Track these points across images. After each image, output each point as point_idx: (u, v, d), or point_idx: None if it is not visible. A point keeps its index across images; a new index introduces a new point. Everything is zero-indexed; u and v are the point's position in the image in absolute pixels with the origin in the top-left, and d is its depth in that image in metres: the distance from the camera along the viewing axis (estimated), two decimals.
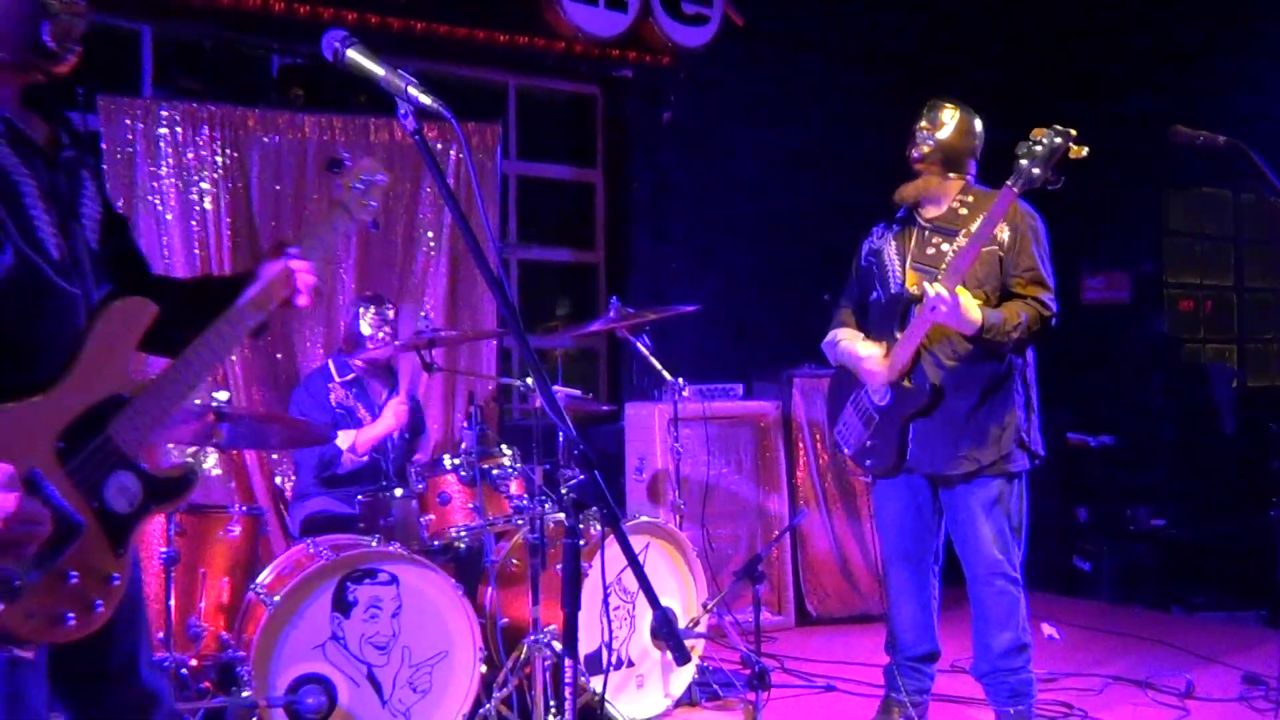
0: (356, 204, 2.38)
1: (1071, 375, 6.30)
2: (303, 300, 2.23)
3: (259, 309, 2.17)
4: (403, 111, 1.97)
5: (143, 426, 2.01)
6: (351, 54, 2.01)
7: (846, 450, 3.89)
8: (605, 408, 5.40)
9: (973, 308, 3.40)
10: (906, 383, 3.60)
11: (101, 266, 2.10)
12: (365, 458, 4.47)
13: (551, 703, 3.62)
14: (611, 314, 4.49)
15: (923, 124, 3.71)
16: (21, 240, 1.91)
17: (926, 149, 3.68)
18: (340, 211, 2.36)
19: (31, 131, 2.01)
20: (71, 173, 2.09)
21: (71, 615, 1.89)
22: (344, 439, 4.43)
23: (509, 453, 4.20)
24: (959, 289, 3.39)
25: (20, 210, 1.92)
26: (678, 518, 4.87)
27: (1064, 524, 6.62)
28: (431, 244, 5.65)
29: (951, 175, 3.69)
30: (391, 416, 4.49)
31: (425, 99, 1.94)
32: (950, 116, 3.70)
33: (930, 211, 3.72)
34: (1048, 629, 5.23)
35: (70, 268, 1.99)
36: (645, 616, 4.11)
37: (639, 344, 4.67)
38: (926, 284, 3.45)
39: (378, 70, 1.99)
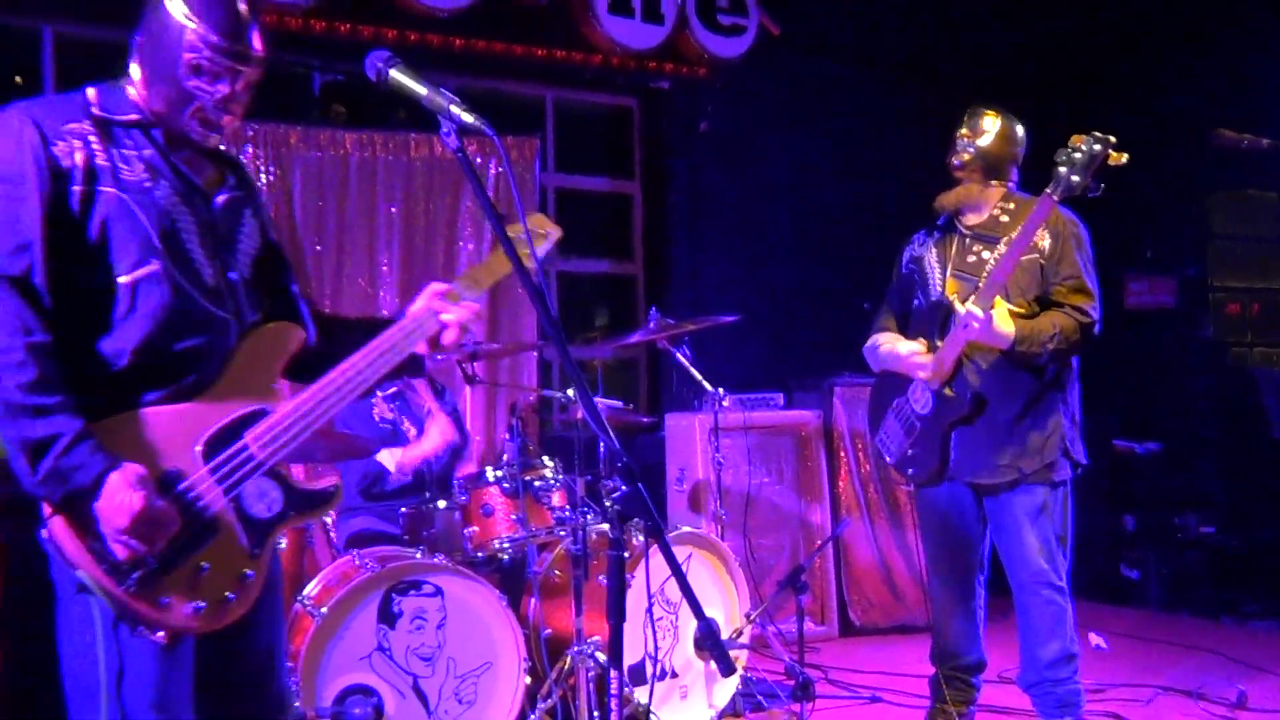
0: (522, 255, 2.45)
1: (1117, 381, 6.24)
2: (448, 337, 2.32)
3: (404, 343, 2.28)
4: (445, 130, 2.01)
5: (280, 440, 2.14)
6: (394, 74, 2.05)
7: (889, 459, 3.88)
8: (646, 418, 5.41)
9: (1006, 322, 3.38)
10: (948, 391, 3.58)
11: (254, 295, 2.27)
12: (409, 476, 4.49)
13: (595, 714, 3.62)
14: (651, 325, 4.50)
15: (963, 131, 3.70)
16: (177, 271, 2.10)
17: (967, 156, 3.66)
18: (502, 259, 2.44)
19: (195, 173, 2.19)
20: (232, 210, 2.27)
21: (202, 604, 2.02)
22: (389, 459, 4.44)
23: (551, 464, 4.21)
24: (996, 302, 3.37)
25: (178, 244, 2.11)
26: (719, 528, 4.87)
27: (1111, 532, 6.54)
28: (471, 256, 5.69)
29: (993, 183, 3.67)
30: (438, 435, 4.50)
31: (467, 117, 1.98)
32: (991, 123, 3.68)
33: (971, 219, 3.70)
34: (1095, 638, 5.17)
35: (223, 294, 2.17)
36: (689, 627, 4.11)
37: (679, 354, 4.68)
38: (958, 303, 3.43)
39: (420, 89, 2.03)
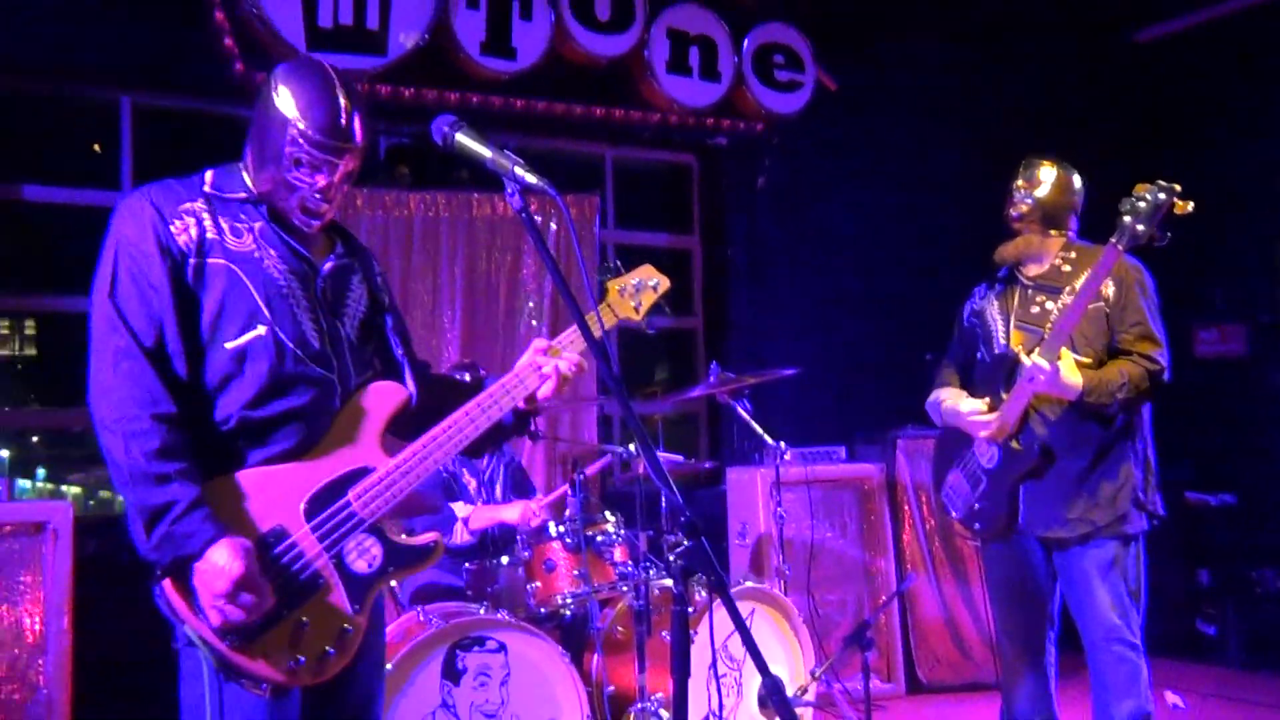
0: (624, 305, 2.58)
1: (1187, 432, 6.11)
2: (545, 390, 2.42)
3: (504, 399, 2.37)
4: (509, 190, 2.07)
5: (384, 497, 2.22)
6: (460, 137, 2.13)
7: (954, 513, 3.82)
8: (707, 471, 5.39)
9: (1073, 373, 3.34)
10: (1015, 444, 3.53)
11: (361, 356, 2.37)
12: (473, 538, 4.49)
13: None
14: (711, 379, 4.52)
15: (1020, 183, 3.69)
16: (285, 337, 2.20)
17: (1025, 208, 3.65)
18: (608, 313, 2.56)
19: (303, 244, 2.31)
20: (339, 277, 2.38)
21: (303, 659, 2.09)
22: (461, 509, 4.48)
23: (613, 519, 4.22)
24: (1062, 352, 3.34)
25: (284, 310, 2.22)
26: (782, 583, 4.83)
27: (1186, 587, 6.38)
28: (533, 313, 5.76)
29: (1052, 233, 3.65)
30: (518, 513, 4.48)
31: (530, 178, 2.05)
32: (1048, 174, 3.66)
33: (1032, 270, 3.68)
34: (1172, 697, 5.03)
35: (328, 357, 2.26)
36: (753, 684, 4.07)
37: (739, 408, 4.68)
38: (1023, 355, 3.40)
39: (485, 152, 2.10)
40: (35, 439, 5.65)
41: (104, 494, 5.80)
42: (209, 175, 2.31)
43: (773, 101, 6.15)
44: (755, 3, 6.15)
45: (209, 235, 2.20)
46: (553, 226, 5.83)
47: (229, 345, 2.16)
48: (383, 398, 2.31)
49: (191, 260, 2.17)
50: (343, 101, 2.21)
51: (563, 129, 6.07)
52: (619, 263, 2.64)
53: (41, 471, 5.67)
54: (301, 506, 2.15)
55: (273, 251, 2.25)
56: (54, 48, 4.87)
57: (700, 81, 5.95)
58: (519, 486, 4.83)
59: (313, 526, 2.14)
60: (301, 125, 2.19)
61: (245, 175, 2.30)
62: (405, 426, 2.36)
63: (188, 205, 2.21)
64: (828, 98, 6.40)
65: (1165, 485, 3.63)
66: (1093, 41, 7.11)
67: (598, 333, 2.49)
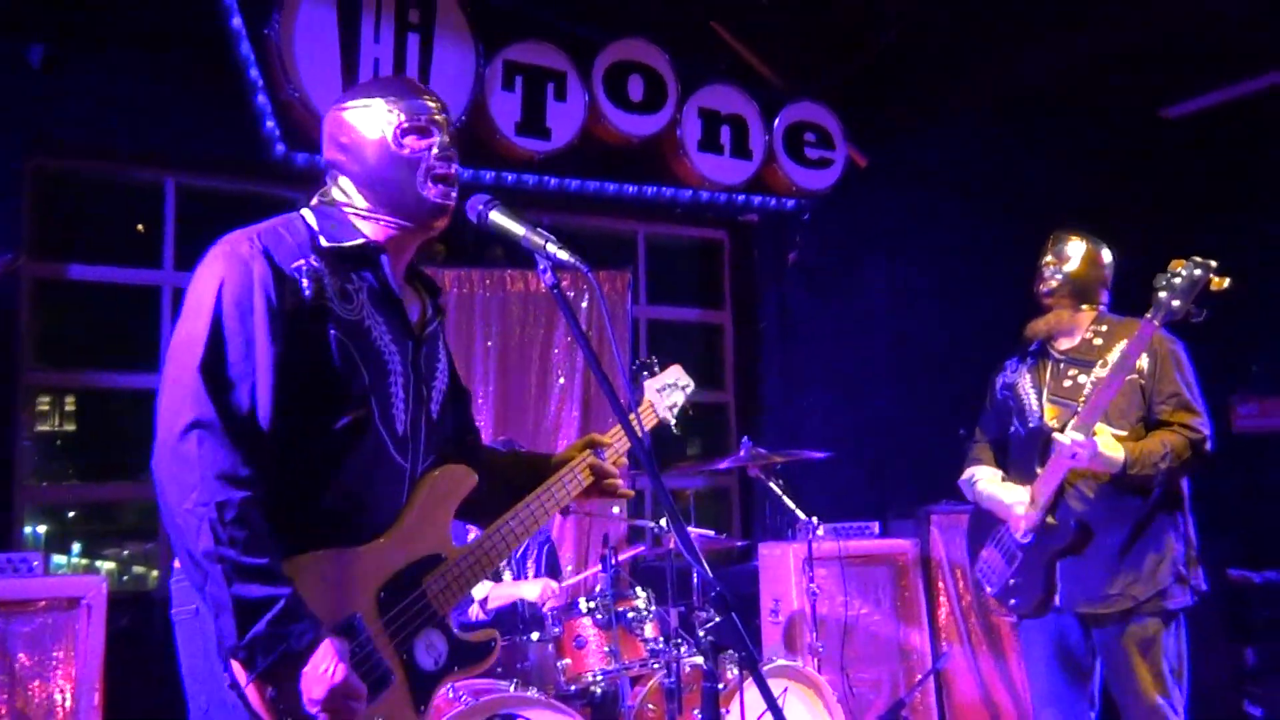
0: (661, 405, 2.65)
1: (1229, 508, 6.01)
2: (605, 491, 2.43)
3: (567, 497, 2.36)
4: (542, 267, 2.08)
5: (455, 587, 2.14)
6: (494, 216, 2.14)
7: (990, 589, 3.78)
8: (739, 544, 5.36)
9: (1113, 447, 3.31)
10: (1050, 519, 3.50)
11: (435, 438, 2.25)
12: (489, 615, 4.46)
13: None
14: (743, 454, 4.51)
15: (1048, 258, 3.70)
16: (380, 418, 2.07)
17: (1055, 283, 3.65)
18: (648, 412, 2.62)
19: (409, 308, 2.21)
20: (432, 347, 2.28)
21: None
22: (479, 589, 4.46)
23: (643, 595, 4.20)
24: (1099, 427, 3.32)
25: (385, 389, 2.09)
26: (816, 660, 4.77)
27: (1231, 666, 6.23)
28: (564, 388, 5.79)
29: (1084, 307, 3.65)
30: (537, 590, 4.46)
31: (563, 254, 2.05)
32: (1076, 249, 3.68)
33: (1064, 343, 3.67)
34: None
35: (408, 443, 2.14)
36: None
37: (772, 483, 4.66)
38: (1058, 435, 3.38)
39: (518, 230, 2.11)
40: (71, 514, 5.70)
41: (138, 569, 5.82)
42: (313, 220, 2.14)
43: (804, 178, 6.21)
44: (786, 82, 6.24)
45: (321, 300, 2.01)
46: (584, 304, 5.88)
47: (328, 426, 2.01)
48: (455, 483, 2.22)
49: (303, 326, 1.99)
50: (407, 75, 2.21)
51: (595, 206, 6.15)
52: (655, 359, 2.70)
53: (77, 547, 5.71)
54: (377, 595, 2.02)
55: (380, 319, 2.11)
56: (99, 129, 5.02)
57: (732, 159, 6.02)
58: (551, 566, 4.82)
59: (387, 620, 2.01)
60: (387, 103, 2.13)
61: (354, 219, 2.16)
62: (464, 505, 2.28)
63: (300, 262, 2.03)
64: (858, 174, 6.46)
65: (1207, 562, 3.58)
66: (1122, 117, 7.15)
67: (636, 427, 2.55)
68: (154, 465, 1.90)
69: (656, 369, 2.70)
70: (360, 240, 2.13)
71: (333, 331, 2.01)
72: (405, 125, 2.13)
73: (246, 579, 1.82)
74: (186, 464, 1.85)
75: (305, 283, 2.01)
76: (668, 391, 2.66)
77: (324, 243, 2.09)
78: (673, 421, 2.67)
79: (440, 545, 2.15)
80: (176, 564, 2.01)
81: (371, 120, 2.14)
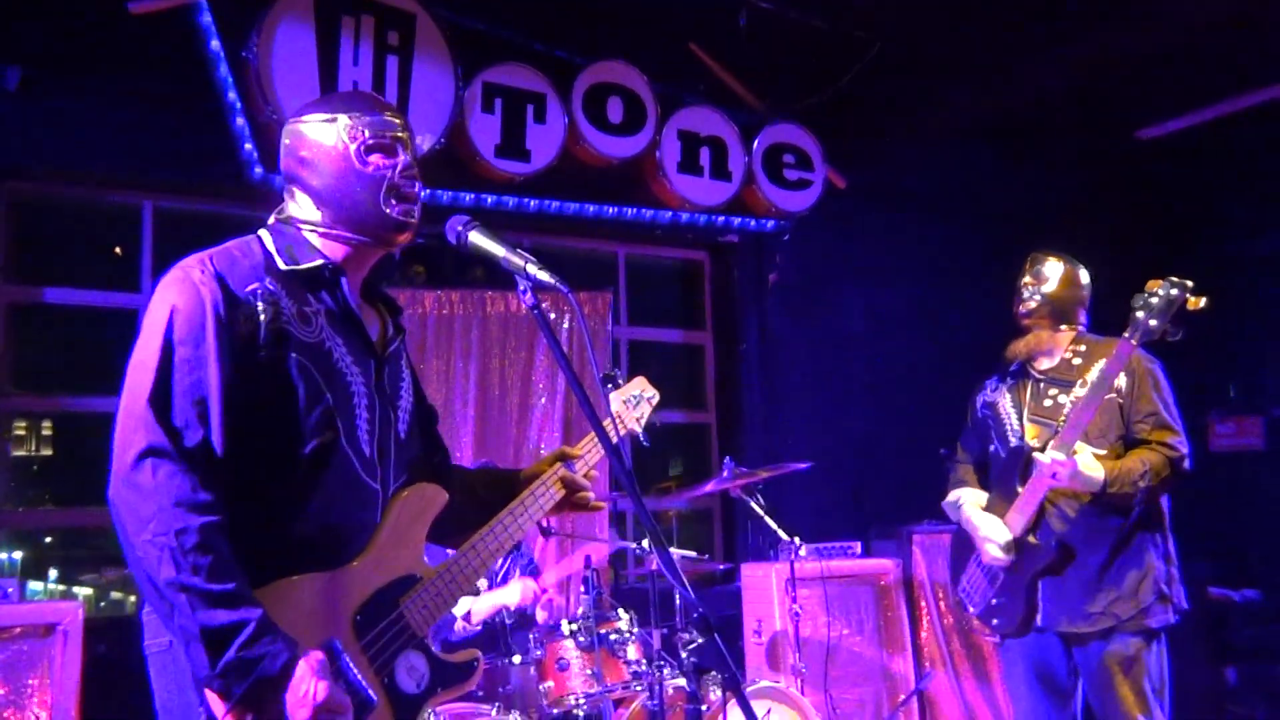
0: (630, 417, 2.62)
1: (1207, 527, 6.04)
2: (577, 505, 2.38)
3: (540, 512, 2.32)
4: (522, 288, 2.06)
5: (432, 607, 2.10)
6: (473, 237, 2.13)
7: (972, 609, 3.78)
8: (721, 568, 5.35)
9: (1093, 467, 3.33)
10: (1032, 539, 3.51)
11: (404, 458, 2.21)
12: (479, 627, 4.46)
13: None
14: (725, 474, 4.50)
15: (1027, 279, 3.72)
16: (346, 441, 2.03)
17: (1034, 304, 3.67)
18: (618, 424, 2.58)
19: (369, 326, 2.17)
20: (395, 366, 2.24)
21: None
22: (460, 604, 4.43)
23: (626, 616, 4.18)
24: (1079, 446, 3.33)
25: (349, 412, 2.05)
26: (799, 681, 4.75)
27: (1212, 685, 6.24)
28: (544, 409, 5.78)
29: (1062, 327, 3.67)
30: (518, 593, 4.45)
31: (543, 275, 2.03)
32: (1054, 269, 3.70)
33: (1043, 363, 3.69)
34: None
35: (375, 465, 2.10)
36: None
37: (754, 503, 4.66)
38: (1039, 455, 3.39)
39: (498, 250, 2.10)
40: (48, 539, 5.64)
41: (116, 594, 5.77)
42: (270, 241, 2.11)
43: (783, 200, 6.24)
44: (765, 104, 6.28)
45: (277, 323, 1.97)
46: (565, 325, 5.88)
47: (293, 452, 1.96)
48: (426, 502, 2.17)
49: (260, 352, 1.95)
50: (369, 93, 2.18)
51: (575, 228, 6.15)
52: (619, 373, 2.69)
53: (54, 573, 5.65)
54: (353, 618, 1.97)
55: (340, 340, 2.07)
56: (76, 152, 4.99)
57: (711, 181, 6.04)
58: (528, 569, 4.79)
59: (366, 643, 1.98)
60: (350, 118, 2.10)
61: (310, 237, 2.12)
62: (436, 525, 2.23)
63: (254, 285, 1.99)
64: (837, 195, 6.49)
65: (1187, 581, 3.59)
66: (1098, 139, 7.22)
67: (596, 456, 2.49)
68: (110, 497, 1.85)
69: (621, 380, 2.67)
70: (319, 261, 2.10)
71: (293, 355, 1.98)
72: (369, 142, 2.10)
73: (213, 606, 1.77)
74: (142, 493, 1.81)
75: (261, 306, 1.97)
76: (633, 403, 2.64)
77: (281, 265, 2.07)
78: (641, 433, 2.64)
79: (415, 566, 2.11)
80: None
81: (334, 135, 2.11)
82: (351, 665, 1.93)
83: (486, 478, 2.52)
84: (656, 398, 2.68)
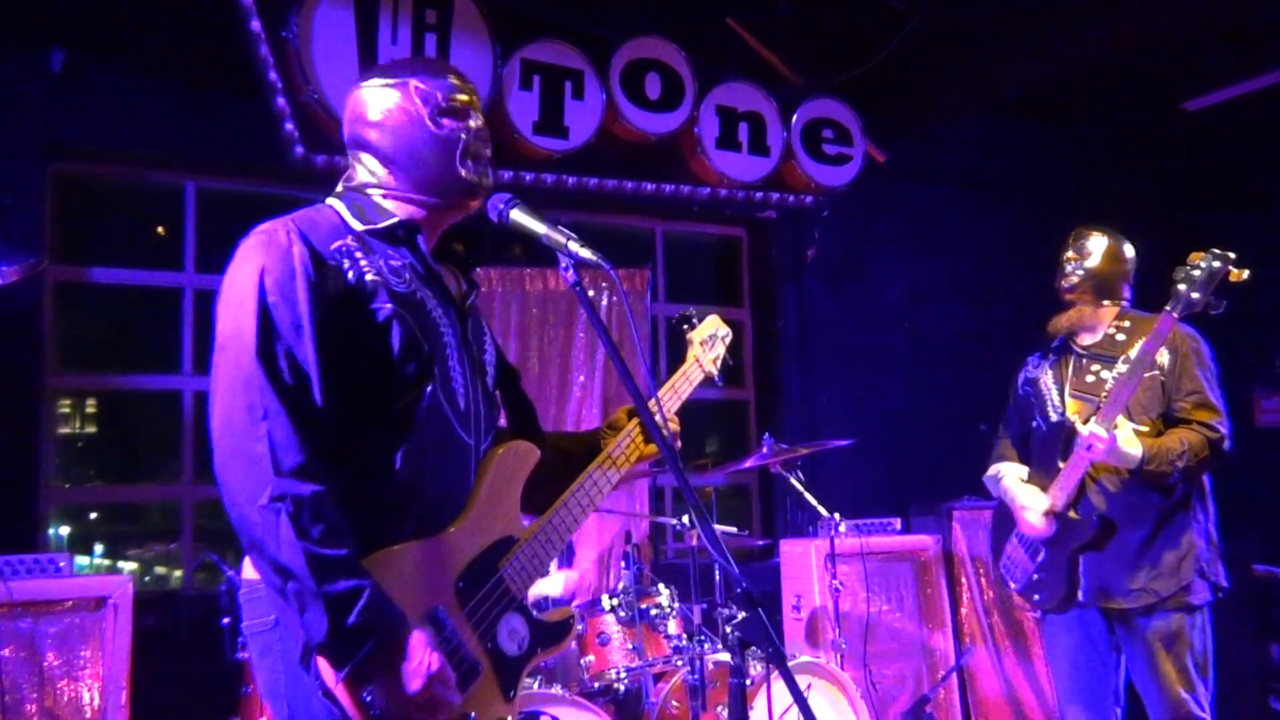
0: (707, 359, 2.59)
1: (1252, 503, 5.97)
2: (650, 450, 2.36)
3: (626, 462, 2.31)
4: (564, 265, 2.05)
5: (530, 568, 2.11)
6: (515, 214, 2.12)
7: (1013, 585, 3.77)
8: (760, 544, 5.36)
9: (1132, 442, 3.30)
10: (1073, 514, 3.49)
11: (494, 415, 2.20)
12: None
13: None
14: (765, 450, 4.51)
15: (1070, 254, 3.68)
16: (442, 392, 2.01)
17: (1076, 279, 3.64)
18: (694, 365, 2.55)
19: (448, 282, 2.17)
20: (476, 320, 2.24)
21: None
22: None
23: (666, 592, 4.20)
24: (1119, 421, 3.31)
25: (445, 362, 2.04)
26: (838, 657, 4.76)
27: (1258, 663, 6.18)
28: (584, 386, 5.80)
29: (1105, 303, 3.64)
30: (560, 585, 4.47)
31: (585, 252, 2.03)
32: (1098, 244, 3.66)
33: (1086, 339, 3.66)
34: None
35: (469, 419, 2.08)
36: None
37: (793, 479, 4.66)
38: (1079, 425, 3.37)
39: (540, 228, 2.09)
40: (93, 515, 5.74)
41: (160, 570, 5.86)
42: (341, 208, 2.10)
43: (822, 175, 6.19)
44: (804, 79, 6.23)
45: (370, 276, 1.97)
46: (603, 302, 5.89)
47: (391, 405, 1.95)
48: (521, 460, 2.16)
49: (353, 308, 1.94)
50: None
51: (614, 205, 6.16)
52: (694, 311, 2.65)
53: (100, 548, 5.75)
54: (455, 585, 1.96)
55: (428, 292, 2.06)
56: (120, 133, 5.05)
57: (750, 156, 6.01)
58: (568, 561, 4.82)
59: (469, 610, 1.97)
60: (421, 81, 2.10)
61: (381, 201, 2.11)
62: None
63: (339, 243, 1.99)
64: (876, 170, 6.44)
65: (1232, 558, 3.56)
66: (1142, 111, 7.12)
67: (688, 389, 2.51)
68: (218, 467, 1.83)
69: (696, 321, 2.62)
70: (394, 220, 2.10)
71: (391, 306, 1.96)
72: (443, 105, 2.10)
73: (330, 572, 1.75)
74: (254, 461, 1.78)
75: (347, 264, 1.97)
76: (709, 344, 2.59)
77: (357, 226, 2.07)
78: (716, 374, 2.60)
79: (511, 527, 2.10)
80: (245, 576, 1.97)
81: (405, 99, 2.11)
82: (457, 635, 1.93)
83: (569, 435, 2.51)
84: (730, 336, 2.64)
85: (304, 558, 1.74)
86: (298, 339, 1.87)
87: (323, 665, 1.77)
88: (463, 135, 2.11)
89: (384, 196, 2.13)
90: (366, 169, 2.15)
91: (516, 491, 2.14)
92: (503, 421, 2.35)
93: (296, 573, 1.75)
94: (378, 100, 2.12)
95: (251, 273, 1.91)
